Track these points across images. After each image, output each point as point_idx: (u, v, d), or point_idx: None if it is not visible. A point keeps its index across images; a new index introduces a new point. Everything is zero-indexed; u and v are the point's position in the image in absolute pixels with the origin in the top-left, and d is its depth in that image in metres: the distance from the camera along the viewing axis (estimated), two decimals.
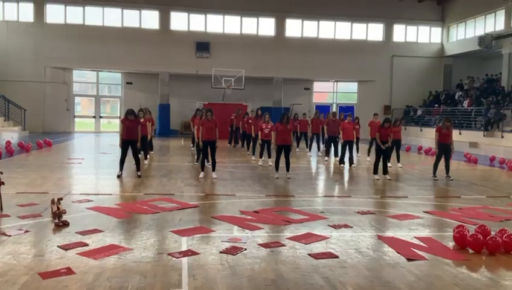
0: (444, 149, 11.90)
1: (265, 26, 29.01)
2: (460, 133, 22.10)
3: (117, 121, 25.91)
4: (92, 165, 14.05)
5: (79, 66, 27.89)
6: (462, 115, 24.34)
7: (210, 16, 28.38)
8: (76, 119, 28.84)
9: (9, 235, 5.93)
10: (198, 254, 5.41)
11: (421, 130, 26.44)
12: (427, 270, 5.12)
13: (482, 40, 25.58)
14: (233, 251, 5.54)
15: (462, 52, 28.61)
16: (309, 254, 5.50)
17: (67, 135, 25.33)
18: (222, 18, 28.48)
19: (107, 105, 30.32)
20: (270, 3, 28.16)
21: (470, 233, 5.91)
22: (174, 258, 5.24)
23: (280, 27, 29.09)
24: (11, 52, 26.02)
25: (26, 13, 26.64)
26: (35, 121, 26.18)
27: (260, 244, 5.84)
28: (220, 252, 5.48)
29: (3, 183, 7.57)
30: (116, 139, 12.89)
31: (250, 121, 16.85)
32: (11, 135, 21.53)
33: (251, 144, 16.52)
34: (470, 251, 5.79)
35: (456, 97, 27.51)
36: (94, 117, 29.24)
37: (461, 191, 10.42)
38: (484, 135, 21.33)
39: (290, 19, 29.14)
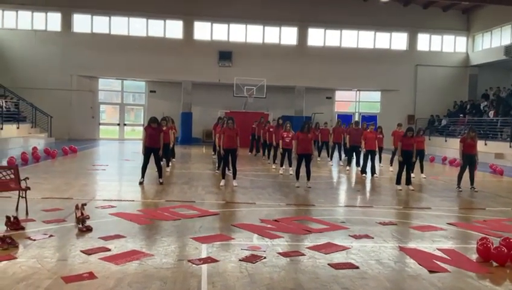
0: (469, 160, 11.69)
1: (288, 35, 29.06)
2: (485, 144, 21.67)
3: (141, 129, 26.26)
4: (116, 172, 14.26)
5: (104, 75, 28.44)
6: (487, 126, 23.87)
7: (233, 26, 28.60)
8: (101, 127, 29.35)
9: (34, 240, 6.06)
10: (217, 261, 5.44)
11: (445, 141, 26.01)
12: (449, 283, 5.03)
13: (508, 49, 25.14)
14: (252, 259, 5.54)
15: (488, 61, 28.13)
16: (329, 264, 5.46)
17: (92, 142, 25.77)
18: (245, 27, 28.68)
19: (131, 113, 30.79)
20: (293, 13, 28.18)
21: (494, 246, 5.80)
22: (193, 265, 5.28)
23: (302, 36, 29.10)
24: (39, 60, 26.65)
25: (54, 22, 27.31)
26: (61, 128, 26.73)
27: (280, 253, 5.83)
28: (240, 260, 5.49)
29: (29, 189, 7.77)
30: (139, 147, 13.05)
31: (271, 129, 16.88)
32: (38, 141, 22.05)
33: (272, 152, 16.53)
34: (494, 263, 5.67)
35: (482, 107, 27.02)
36: (118, 125, 29.71)
37: (486, 202, 10.21)
38: (510, 146, 20.85)
39: (312, 28, 29.12)
